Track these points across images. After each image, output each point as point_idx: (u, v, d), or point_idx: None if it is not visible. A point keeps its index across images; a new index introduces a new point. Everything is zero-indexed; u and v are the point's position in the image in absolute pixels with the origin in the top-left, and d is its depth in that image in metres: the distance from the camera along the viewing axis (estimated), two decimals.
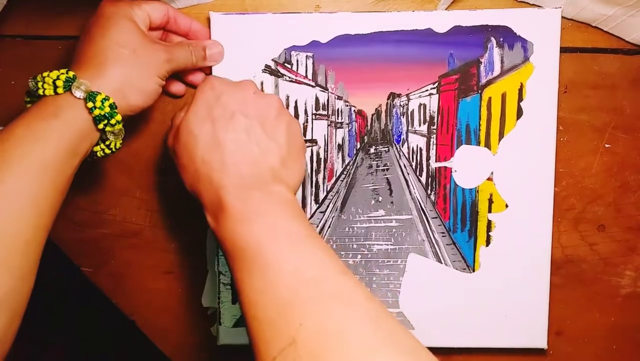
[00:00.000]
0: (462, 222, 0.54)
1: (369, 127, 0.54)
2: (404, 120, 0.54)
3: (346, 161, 0.54)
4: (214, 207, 0.42)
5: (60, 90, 0.42)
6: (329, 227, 0.54)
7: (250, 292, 0.38)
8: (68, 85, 0.42)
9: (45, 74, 0.43)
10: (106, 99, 0.43)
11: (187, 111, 0.45)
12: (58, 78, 0.42)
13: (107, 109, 0.43)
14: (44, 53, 0.55)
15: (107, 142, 0.46)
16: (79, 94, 0.43)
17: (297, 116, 0.53)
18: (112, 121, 0.44)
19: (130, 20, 0.46)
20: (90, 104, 0.43)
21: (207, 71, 0.53)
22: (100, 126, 0.44)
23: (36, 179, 0.41)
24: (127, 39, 0.45)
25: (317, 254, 0.39)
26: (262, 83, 0.53)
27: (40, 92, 0.43)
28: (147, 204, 0.56)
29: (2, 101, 0.55)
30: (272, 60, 0.53)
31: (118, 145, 0.47)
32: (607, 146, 0.54)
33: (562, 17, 0.51)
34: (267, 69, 0.53)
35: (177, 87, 0.54)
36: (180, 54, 0.49)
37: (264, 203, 0.41)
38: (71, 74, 0.43)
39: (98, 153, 0.46)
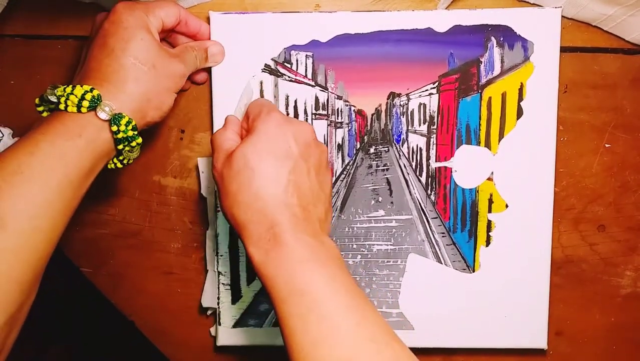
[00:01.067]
0: (462, 222, 0.54)
1: (368, 127, 0.54)
2: (403, 120, 0.54)
3: (346, 161, 0.54)
4: (263, 241, 0.40)
5: (84, 109, 0.42)
6: None
7: (304, 340, 0.37)
8: (93, 106, 0.42)
9: (68, 89, 0.42)
10: (129, 122, 0.43)
11: (244, 139, 0.43)
12: (83, 98, 0.42)
13: (130, 133, 0.43)
14: (44, 53, 0.55)
15: (121, 158, 0.46)
16: (103, 115, 0.42)
17: (296, 115, 0.53)
18: (133, 143, 0.44)
19: (148, 31, 0.45)
20: (114, 127, 0.43)
21: (207, 69, 0.53)
22: (120, 147, 0.44)
23: (56, 196, 0.41)
24: (147, 55, 0.45)
25: (373, 315, 0.39)
26: (261, 83, 0.53)
27: (62, 107, 0.42)
28: (147, 204, 0.56)
29: (2, 100, 0.55)
30: (272, 59, 0.53)
31: (131, 161, 0.47)
32: (607, 145, 0.54)
33: (562, 16, 0.51)
34: (267, 69, 0.53)
35: (186, 85, 0.53)
36: (190, 61, 0.49)
37: (320, 252, 0.40)
38: (96, 93, 0.42)
39: (109, 165, 0.46)
